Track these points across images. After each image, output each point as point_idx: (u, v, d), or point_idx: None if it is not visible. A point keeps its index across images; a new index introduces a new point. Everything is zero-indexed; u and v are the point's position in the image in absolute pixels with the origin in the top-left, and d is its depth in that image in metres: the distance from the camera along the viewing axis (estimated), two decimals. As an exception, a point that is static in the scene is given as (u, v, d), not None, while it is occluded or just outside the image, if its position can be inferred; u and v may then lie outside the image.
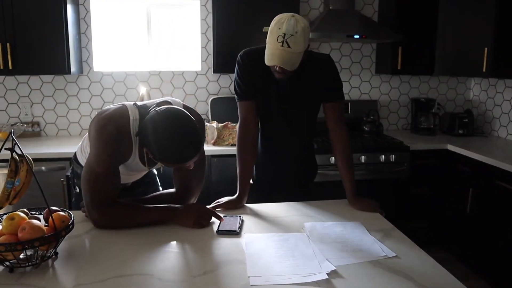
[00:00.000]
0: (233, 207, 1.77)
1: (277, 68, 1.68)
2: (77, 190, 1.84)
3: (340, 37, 3.21)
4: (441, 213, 3.38)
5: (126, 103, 1.55)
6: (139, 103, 1.55)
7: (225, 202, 1.77)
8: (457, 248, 3.26)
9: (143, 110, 1.50)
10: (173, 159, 1.39)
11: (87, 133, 1.71)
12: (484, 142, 3.43)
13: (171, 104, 1.57)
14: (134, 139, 1.50)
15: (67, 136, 3.44)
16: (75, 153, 1.85)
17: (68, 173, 2.10)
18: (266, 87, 1.84)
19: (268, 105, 1.88)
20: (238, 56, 1.86)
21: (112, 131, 1.45)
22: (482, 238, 2.97)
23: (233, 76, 3.53)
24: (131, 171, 1.67)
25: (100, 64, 3.44)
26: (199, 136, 1.42)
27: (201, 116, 1.67)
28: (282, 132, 1.94)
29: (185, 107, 1.61)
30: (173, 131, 1.36)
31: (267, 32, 1.66)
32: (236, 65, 1.87)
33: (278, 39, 1.58)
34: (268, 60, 1.65)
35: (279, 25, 1.59)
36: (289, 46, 1.58)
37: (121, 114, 1.49)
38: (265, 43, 1.67)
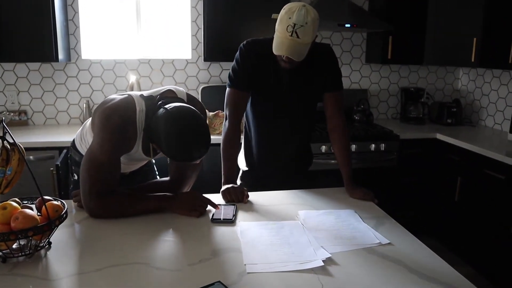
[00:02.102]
0: (241, 193, 1.71)
1: (284, 58, 1.67)
2: (75, 177, 1.82)
3: (331, 26, 3.21)
4: (430, 201, 3.43)
5: (132, 93, 1.54)
6: (145, 93, 1.54)
7: (233, 194, 1.71)
8: (445, 236, 3.32)
9: (149, 102, 1.49)
10: (183, 157, 1.41)
11: (87, 121, 1.69)
12: (472, 131, 3.48)
13: (175, 94, 1.56)
14: (139, 130, 1.49)
15: (55, 125, 3.39)
16: (74, 140, 1.83)
17: (58, 162, 2.07)
18: (267, 77, 1.83)
19: (268, 95, 1.87)
20: (241, 45, 1.85)
21: (117, 121, 1.44)
22: (470, 225, 3.03)
23: (224, 64, 3.57)
24: (132, 161, 1.65)
25: (89, 51, 3.39)
26: (208, 135, 1.43)
27: (203, 106, 1.67)
28: (281, 121, 1.92)
29: (189, 97, 1.61)
30: (185, 134, 1.36)
31: (275, 19, 1.65)
32: (237, 53, 1.85)
33: (288, 29, 1.57)
34: (276, 49, 1.65)
35: (289, 14, 1.58)
36: (298, 37, 1.57)
37: (127, 104, 1.48)
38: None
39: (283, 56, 1.67)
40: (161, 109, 1.40)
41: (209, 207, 1.58)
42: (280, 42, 1.62)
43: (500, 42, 2.98)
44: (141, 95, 1.52)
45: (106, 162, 1.45)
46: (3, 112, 3.26)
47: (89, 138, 1.59)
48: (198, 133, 1.39)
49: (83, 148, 1.71)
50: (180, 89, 1.61)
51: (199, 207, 1.54)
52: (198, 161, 1.46)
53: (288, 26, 1.57)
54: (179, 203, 1.53)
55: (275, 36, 1.66)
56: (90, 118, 1.64)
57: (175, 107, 1.40)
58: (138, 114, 1.48)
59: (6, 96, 3.28)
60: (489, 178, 2.80)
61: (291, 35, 1.57)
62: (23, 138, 2.83)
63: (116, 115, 1.44)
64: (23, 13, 2.86)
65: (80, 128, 1.79)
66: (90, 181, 1.45)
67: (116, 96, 1.53)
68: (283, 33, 1.59)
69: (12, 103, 3.30)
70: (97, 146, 1.45)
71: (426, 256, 1.30)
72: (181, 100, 1.51)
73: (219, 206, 1.59)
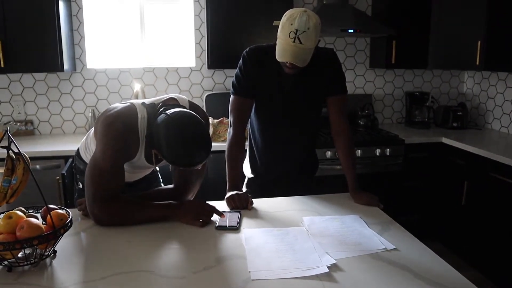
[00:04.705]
0: (245, 200, 1.71)
1: (287, 64, 1.68)
2: (80, 186, 1.83)
3: (334, 31, 3.21)
4: (436, 206, 3.41)
5: (134, 101, 1.56)
6: (146, 101, 1.55)
7: (237, 201, 1.71)
8: (451, 240, 3.29)
9: (151, 109, 1.50)
10: (184, 163, 1.41)
11: (91, 130, 1.71)
12: (478, 134, 3.46)
13: (178, 102, 1.57)
14: (141, 138, 1.51)
15: (61, 134, 3.41)
16: (78, 149, 1.85)
17: (64, 171, 2.08)
18: (270, 83, 1.83)
19: (271, 101, 1.87)
20: (244, 52, 1.86)
21: (120, 128, 1.45)
22: (477, 229, 3.00)
23: (228, 71, 3.58)
24: (136, 169, 1.66)
25: (94, 61, 3.41)
26: (209, 140, 1.44)
27: (206, 114, 1.67)
28: (286, 128, 1.92)
29: (191, 104, 1.62)
30: (185, 138, 1.36)
31: (277, 26, 1.66)
32: (241, 60, 1.86)
33: (290, 35, 1.57)
34: (279, 56, 1.65)
35: (291, 21, 1.58)
36: (300, 42, 1.57)
37: (129, 112, 1.49)
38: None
39: (287, 62, 1.67)
40: (162, 114, 1.41)
41: (214, 215, 1.58)
42: (283, 49, 1.62)
43: (505, 45, 2.97)
44: (143, 103, 1.53)
45: (109, 169, 1.45)
46: (9, 122, 3.29)
47: (93, 147, 1.60)
48: (198, 137, 1.39)
49: (87, 157, 1.72)
50: (182, 97, 1.62)
51: (203, 216, 1.53)
52: (200, 167, 1.46)
53: (290, 33, 1.57)
54: (183, 212, 1.53)
55: (277, 42, 1.66)
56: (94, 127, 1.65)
57: (175, 112, 1.41)
58: (140, 122, 1.49)
59: (12, 106, 3.31)
60: (496, 182, 2.77)
61: (294, 41, 1.57)
62: (29, 148, 2.86)
63: (118, 122, 1.46)
64: (29, 24, 2.90)
65: (85, 137, 1.80)
66: (94, 188, 1.46)
67: (119, 105, 1.55)
68: (286, 39, 1.59)
69: (19, 113, 3.33)
70: (100, 153, 1.46)
71: (432, 261, 1.29)
72: (183, 108, 1.52)
73: (223, 214, 1.59)
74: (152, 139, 1.43)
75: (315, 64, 1.78)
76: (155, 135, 1.41)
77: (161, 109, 1.45)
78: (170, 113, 1.40)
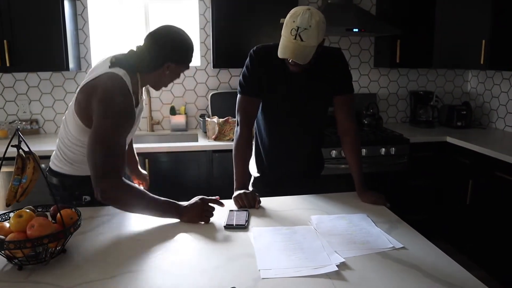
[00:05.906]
0: (252, 199, 1.72)
1: (290, 61, 1.69)
2: (88, 198, 1.72)
3: (338, 30, 3.21)
4: (441, 205, 3.40)
5: (110, 70, 1.55)
6: (114, 59, 1.59)
7: (245, 199, 1.72)
8: (457, 239, 3.29)
9: (123, 63, 1.58)
10: (191, 56, 1.69)
11: (60, 140, 1.69)
12: (482, 134, 3.46)
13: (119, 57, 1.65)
14: (132, 92, 1.56)
15: (66, 133, 3.42)
16: (50, 167, 1.75)
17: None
18: (277, 82, 1.83)
19: (278, 100, 1.87)
20: (251, 51, 1.86)
21: (121, 101, 1.48)
22: (482, 228, 3.00)
23: (233, 71, 3.58)
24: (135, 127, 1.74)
25: (99, 60, 3.41)
26: None
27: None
28: (292, 127, 1.92)
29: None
30: (187, 36, 1.66)
31: (283, 23, 1.66)
32: (248, 59, 1.86)
33: (292, 32, 1.58)
34: (280, 52, 1.66)
35: (293, 18, 1.59)
36: (302, 40, 1.57)
37: (112, 78, 1.51)
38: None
39: (290, 59, 1.67)
40: (155, 30, 1.64)
41: (219, 213, 1.58)
42: (284, 46, 1.63)
43: (509, 44, 2.96)
44: (111, 65, 1.56)
45: (119, 142, 1.46)
46: (15, 121, 3.30)
47: (70, 153, 1.64)
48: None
49: (63, 168, 1.69)
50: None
51: (206, 212, 1.54)
52: None
53: (292, 30, 1.58)
54: (187, 213, 1.53)
55: (280, 40, 1.67)
56: (62, 131, 1.66)
57: (165, 25, 1.66)
58: (125, 78, 1.53)
59: (18, 106, 3.32)
60: (501, 181, 2.77)
61: (295, 38, 1.58)
62: (35, 147, 2.87)
63: (117, 97, 1.48)
64: (34, 23, 2.91)
65: (56, 149, 1.74)
66: (103, 161, 1.40)
67: (99, 74, 1.54)
68: (287, 36, 1.60)
69: (24, 112, 3.34)
70: (109, 128, 1.44)
71: (441, 260, 1.29)
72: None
73: (231, 211, 1.59)
74: (163, 54, 1.62)
75: (322, 63, 1.79)
76: (164, 49, 1.61)
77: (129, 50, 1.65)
78: (162, 26, 1.65)
